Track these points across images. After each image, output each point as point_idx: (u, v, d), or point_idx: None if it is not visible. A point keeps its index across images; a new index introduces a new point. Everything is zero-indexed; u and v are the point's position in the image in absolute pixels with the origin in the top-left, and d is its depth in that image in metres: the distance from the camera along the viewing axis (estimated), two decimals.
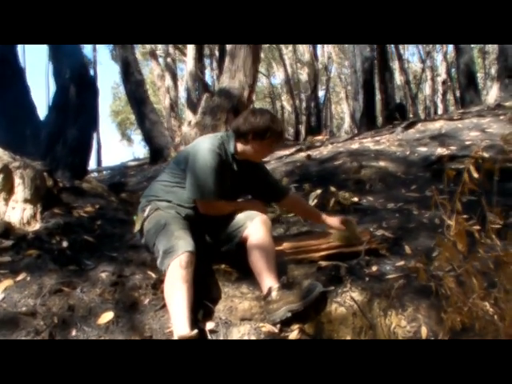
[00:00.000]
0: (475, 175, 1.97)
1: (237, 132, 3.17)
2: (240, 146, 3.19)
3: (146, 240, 3.12)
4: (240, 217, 3.16)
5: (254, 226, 3.07)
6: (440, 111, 23.37)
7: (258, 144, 3.14)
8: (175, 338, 2.56)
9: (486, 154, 2.02)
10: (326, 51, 26.26)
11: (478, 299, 2.06)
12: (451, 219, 2.07)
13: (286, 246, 3.33)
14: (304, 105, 24.21)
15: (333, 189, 4.64)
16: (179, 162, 3.22)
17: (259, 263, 2.93)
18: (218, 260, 3.23)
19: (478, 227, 2.09)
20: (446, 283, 2.15)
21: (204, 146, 3.10)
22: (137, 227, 3.22)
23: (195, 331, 2.54)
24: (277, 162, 7.23)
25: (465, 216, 2.07)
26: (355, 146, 7.40)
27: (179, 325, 2.58)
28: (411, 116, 19.51)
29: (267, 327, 2.71)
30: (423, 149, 6.45)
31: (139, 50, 22.03)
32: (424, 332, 2.52)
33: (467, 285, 2.09)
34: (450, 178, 2.07)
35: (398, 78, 24.94)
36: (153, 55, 22.13)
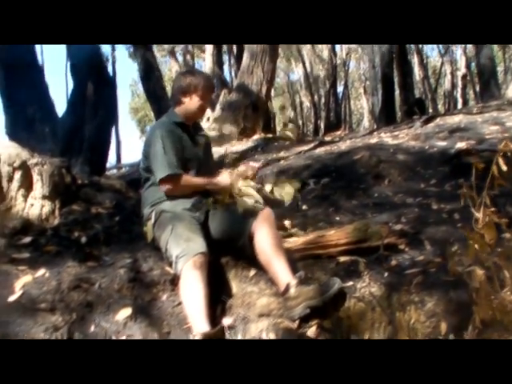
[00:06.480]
0: (504, 168, 1.95)
1: (177, 95, 3.35)
2: (183, 109, 3.35)
3: (159, 246, 3.11)
4: (242, 213, 3.11)
5: (257, 223, 3.02)
6: (459, 105, 23.11)
7: (198, 97, 3.31)
8: (195, 335, 2.55)
9: None
10: (345, 47, 26.13)
11: (508, 292, 2.05)
12: (479, 212, 2.05)
13: (303, 240, 3.31)
14: (323, 100, 24.16)
15: None
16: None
17: (270, 260, 2.90)
18: (234, 256, 3.21)
19: (506, 220, 2.07)
20: (475, 276, 2.13)
21: (153, 132, 3.31)
22: (149, 238, 3.22)
23: (217, 328, 2.56)
24: (295, 156, 7.19)
25: (493, 209, 2.04)
26: (374, 140, 7.32)
27: (199, 323, 2.58)
28: (430, 111, 19.34)
29: (285, 323, 2.70)
30: (442, 143, 6.36)
31: (157, 48, 22.12)
32: (443, 327, 2.49)
33: (495, 278, 2.07)
34: (478, 170, 2.05)
35: (417, 73, 24.75)
36: (171, 52, 22.20)
